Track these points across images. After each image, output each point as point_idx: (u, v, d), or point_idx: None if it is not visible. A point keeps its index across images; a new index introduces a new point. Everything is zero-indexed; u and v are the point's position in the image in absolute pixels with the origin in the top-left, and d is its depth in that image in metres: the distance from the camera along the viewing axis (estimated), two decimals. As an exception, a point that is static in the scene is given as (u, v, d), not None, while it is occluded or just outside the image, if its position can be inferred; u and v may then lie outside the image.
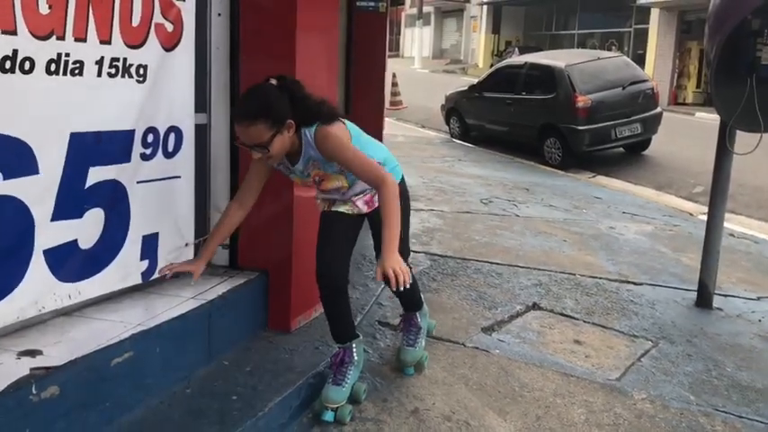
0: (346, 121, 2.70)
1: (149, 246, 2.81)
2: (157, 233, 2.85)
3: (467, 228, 5.97)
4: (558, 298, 4.40)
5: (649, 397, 3.21)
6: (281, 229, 3.18)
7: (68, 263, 2.45)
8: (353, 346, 2.88)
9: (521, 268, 4.90)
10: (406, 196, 2.86)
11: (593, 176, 9.85)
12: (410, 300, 3.17)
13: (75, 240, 2.46)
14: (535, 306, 4.24)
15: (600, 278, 4.84)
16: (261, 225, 3.10)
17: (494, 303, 4.20)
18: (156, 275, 2.81)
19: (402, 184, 2.83)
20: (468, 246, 5.38)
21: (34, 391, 2.00)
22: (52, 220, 2.35)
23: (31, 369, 2.06)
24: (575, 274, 4.86)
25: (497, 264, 4.95)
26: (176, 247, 2.94)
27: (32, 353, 2.17)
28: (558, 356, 3.56)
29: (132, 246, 2.71)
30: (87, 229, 2.51)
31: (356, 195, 2.80)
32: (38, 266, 2.31)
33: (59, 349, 2.21)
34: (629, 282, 4.84)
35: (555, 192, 8.17)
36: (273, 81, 2.48)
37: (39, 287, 2.33)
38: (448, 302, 4.16)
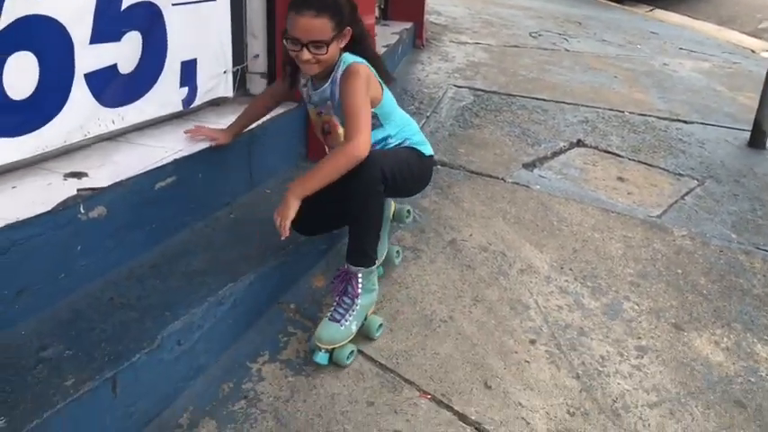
0: (384, 87, 2.37)
1: (188, 72, 2.76)
2: (195, 59, 2.79)
3: (513, 62, 5.75)
4: (603, 135, 4.29)
5: (690, 234, 3.19)
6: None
7: (110, 88, 2.43)
8: (361, 275, 2.28)
9: (567, 105, 4.75)
10: (424, 173, 2.51)
11: (651, 10, 9.26)
12: (360, 239, 2.25)
13: (115, 65, 2.43)
14: (579, 143, 4.15)
15: (649, 116, 4.68)
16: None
17: (537, 140, 4.12)
18: (195, 104, 2.79)
19: (428, 159, 2.47)
20: (514, 81, 5.20)
21: (82, 211, 2.07)
22: (91, 42, 2.30)
23: (78, 190, 2.11)
24: (623, 112, 4.70)
25: (543, 100, 4.80)
26: (215, 75, 2.89)
27: (78, 175, 2.22)
28: (599, 193, 3.53)
29: (171, 72, 2.67)
30: (126, 53, 2.46)
31: None
32: (80, 91, 2.29)
33: (104, 172, 2.25)
34: (679, 120, 4.67)
35: (609, 26, 7.73)
36: None
37: (83, 112, 2.33)
38: (490, 138, 4.09)
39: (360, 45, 2.28)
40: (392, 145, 2.38)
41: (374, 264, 2.31)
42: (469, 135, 4.09)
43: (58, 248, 2.02)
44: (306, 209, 2.12)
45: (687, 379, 2.32)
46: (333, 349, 2.22)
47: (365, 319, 2.33)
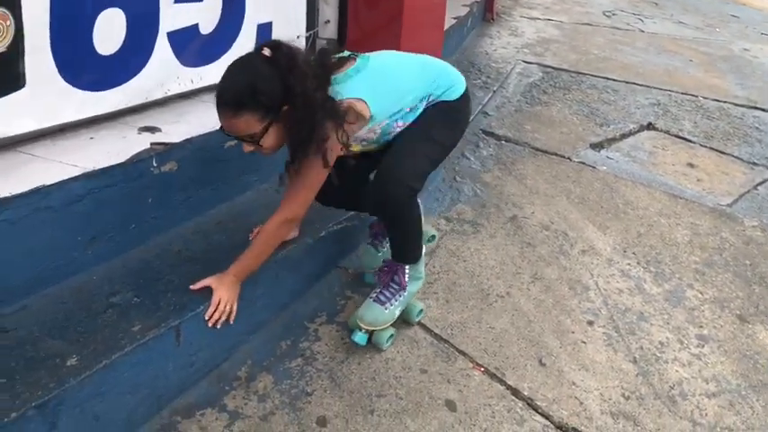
0: (364, 98, 1.95)
1: (263, 35, 2.79)
2: (271, 22, 2.82)
3: (585, 41, 5.60)
4: (675, 119, 4.15)
5: (761, 225, 3.08)
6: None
7: (190, 47, 2.48)
8: (407, 269, 2.19)
9: (639, 86, 4.61)
10: (457, 127, 2.18)
11: (734, -7, 8.87)
12: (402, 242, 2.16)
13: (197, 25, 2.48)
14: (650, 126, 4.04)
15: (725, 102, 4.51)
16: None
17: (606, 120, 4.02)
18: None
19: (458, 104, 2.13)
20: (585, 59, 5.08)
21: (154, 164, 2.13)
22: (176, 1, 2.35)
23: (152, 144, 2.17)
24: (697, 96, 4.54)
25: (614, 80, 4.68)
26: (289, 39, 2.90)
27: (152, 129, 2.28)
28: (667, 178, 3.43)
29: (247, 34, 2.70)
30: (207, 13, 2.51)
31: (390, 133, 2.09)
32: (163, 49, 2.35)
33: (177, 128, 2.30)
34: (756, 108, 4.48)
35: (686, 7, 7.45)
36: (267, 52, 1.85)
37: (164, 70, 2.39)
38: (557, 116, 4.01)
39: (305, 109, 1.83)
40: (418, 112, 2.05)
41: (420, 256, 2.20)
42: (536, 112, 4.02)
43: (131, 200, 2.09)
44: (328, 184, 1.97)
45: (749, 371, 2.26)
46: (372, 331, 2.16)
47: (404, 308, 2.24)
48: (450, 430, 1.92)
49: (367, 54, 2.06)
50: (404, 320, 2.26)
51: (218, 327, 1.96)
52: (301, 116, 1.82)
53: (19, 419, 1.54)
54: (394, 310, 2.15)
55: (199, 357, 1.98)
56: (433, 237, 2.38)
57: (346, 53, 2.04)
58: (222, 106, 1.83)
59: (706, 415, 2.06)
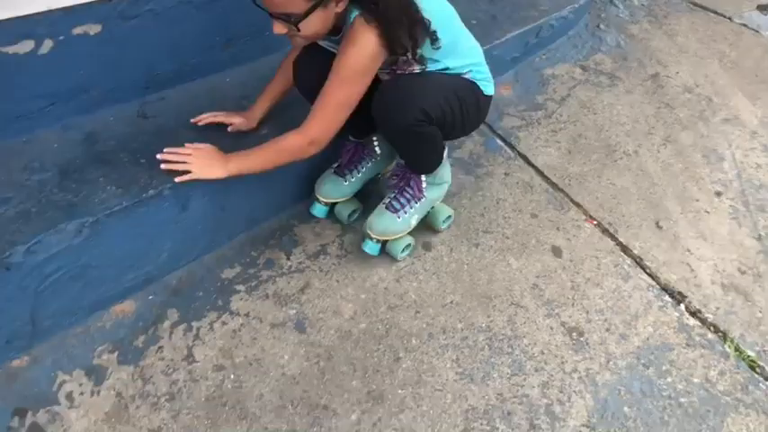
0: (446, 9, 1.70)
1: None
2: None
3: None
4: None
5: None
6: None
7: None
8: (424, 177, 1.92)
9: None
10: (477, 115, 1.85)
11: None
12: (413, 158, 1.87)
13: None
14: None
15: None
16: None
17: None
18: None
19: (485, 99, 1.84)
20: None
21: None
22: None
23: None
24: None
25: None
26: None
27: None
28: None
29: None
30: None
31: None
32: None
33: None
34: None
35: None
36: None
37: None
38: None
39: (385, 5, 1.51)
40: (450, 74, 1.74)
41: (439, 165, 1.90)
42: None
43: (267, 6, 2.09)
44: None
45: None
46: (385, 240, 1.93)
47: (432, 208, 2.00)
48: (552, 273, 1.93)
49: None
50: (427, 227, 2.02)
51: (162, 167, 1.67)
52: (381, 12, 1.50)
53: (155, 197, 1.68)
54: (409, 218, 1.90)
55: (318, 169, 2.05)
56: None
57: None
58: None
59: (826, 303, 1.96)
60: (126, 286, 1.77)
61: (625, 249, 2.03)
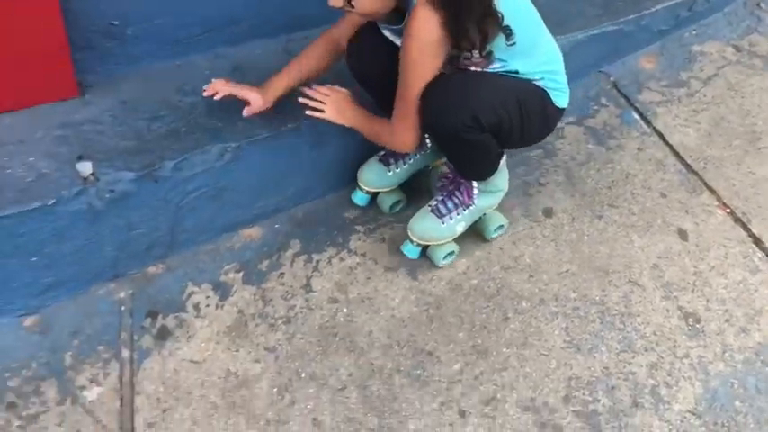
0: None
1: None
2: None
3: None
4: None
5: None
6: None
7: None
8: (475, 184, 1.78)
9: None
10: (542, 127, 1.70)
11: None
12: (463, 164, 1.73)
13: None
14: None
15: None
16: None
17: None
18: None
19: (556, 111, 1.66)
20: None
21: None
22: None
23: None
24: None
25: None
26: None
27: None
28: None
29: None
30: None
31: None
32: None
33: None
34: None
35: None
36: None
37: None
38: None
39: None
40: (517, 79, 1.58)
41: (493, 173, 1.73)
42: None
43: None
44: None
45: None
46: (427, 245, 1.81)
47: (482, 217, 1.86)
48: (675, 256, 1.87)
49: None
50: (477, 234, 1.88)
51: (300, 100, 1.65)
52: None
53: (293, 132, 1.77)
54: (454, 225, 1.77)
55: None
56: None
57: None
58: None
59: None
60: (255, 213, 1.87)
61: (757, 242, 1.93)
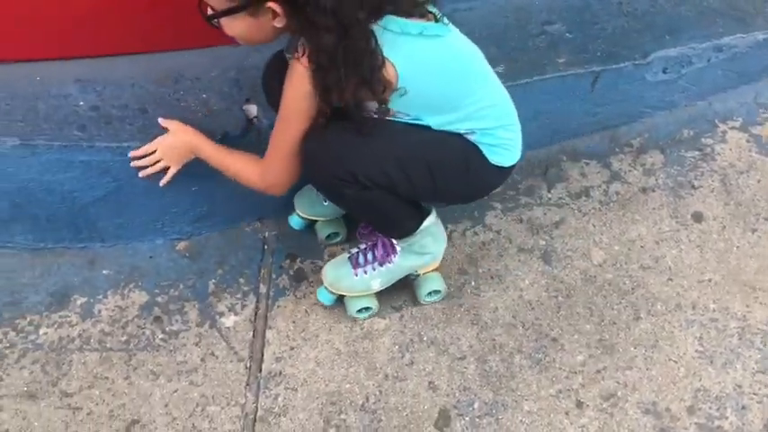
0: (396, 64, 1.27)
1: None
2: None
3: None
4: None
5: None
6: None
7: None
8: (395, 242, 1.60)
9: None
10: (472, 182, 1.51)
11: None
12: (355, 213, 1.66)
13: None
14: None
15: None
16: None
17: None
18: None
19: (491, 169, 1.46)
20: None
21: None
22: None
23: None
24: None
25: None
26: None
27: None
28: None
29: None
30: None
31: None
32: None
33: None
34: None
35: None
36: None
37: None
38: None
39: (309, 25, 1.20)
40: (434, 132, 1.41)
41: (412, 232, 1.55)
42: None
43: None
44: None
45: None
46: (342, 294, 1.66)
47: (417, 276, 1.68)
48: (834, 283, 1.74)
49: (451, 26, 1.36)
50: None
51: (141, 176, 1.59)
52: (317, 46, 1.22)
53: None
54: (368, 280, 1.62)
55: (603, 111, 2.01)
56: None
57: (432, 8, 1.35)
58: None
59: None
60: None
61: None
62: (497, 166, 1.46)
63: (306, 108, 1.31)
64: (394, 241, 1.59)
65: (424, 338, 1.63)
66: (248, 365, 1.59)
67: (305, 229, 1.81)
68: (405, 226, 1.54)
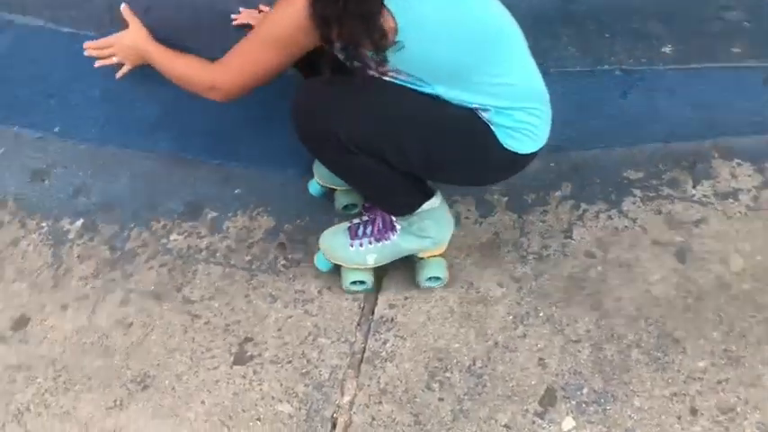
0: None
1: None
2: None
3: None
4: None
5: None
6: None
7: None
8: (394, 219, 1.55)
9: None
10: (485, 162, 1.41)
11: None
12: (344, 177, 1.50)
13: None
14: None
15: None
16: None
17: None
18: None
19: (505, 153, 1.37)
20: None
21: None
22: None
23: None
24: None
25: None
26: None
27: None
28: None
29: None
30: None
31: None
32: None
33: None
34: None
35: None
36: None
37: None
38: None
39: None
40: (442, 101, 1.34)
41: (413, 211, 1.50)
42: None
43: None
44: None
45: None
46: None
47: (420, 259, 1.62)
48: None
49: None
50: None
51: (96, 65, 1.60)
52: None
53: (604, 74, 1.70)
54: (364, 254, 1.57)
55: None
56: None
57: None
58: None
59: None
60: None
61: None
62: (512, 152, 1.38)
63: (293, 40, 1.26)
64: (393, 219, 1.54)
65: (540, 314, 1.60)
66: (362, 306, 1.61)
67: (323, 197, 1.79)
68: (399, 202, 1.49)
